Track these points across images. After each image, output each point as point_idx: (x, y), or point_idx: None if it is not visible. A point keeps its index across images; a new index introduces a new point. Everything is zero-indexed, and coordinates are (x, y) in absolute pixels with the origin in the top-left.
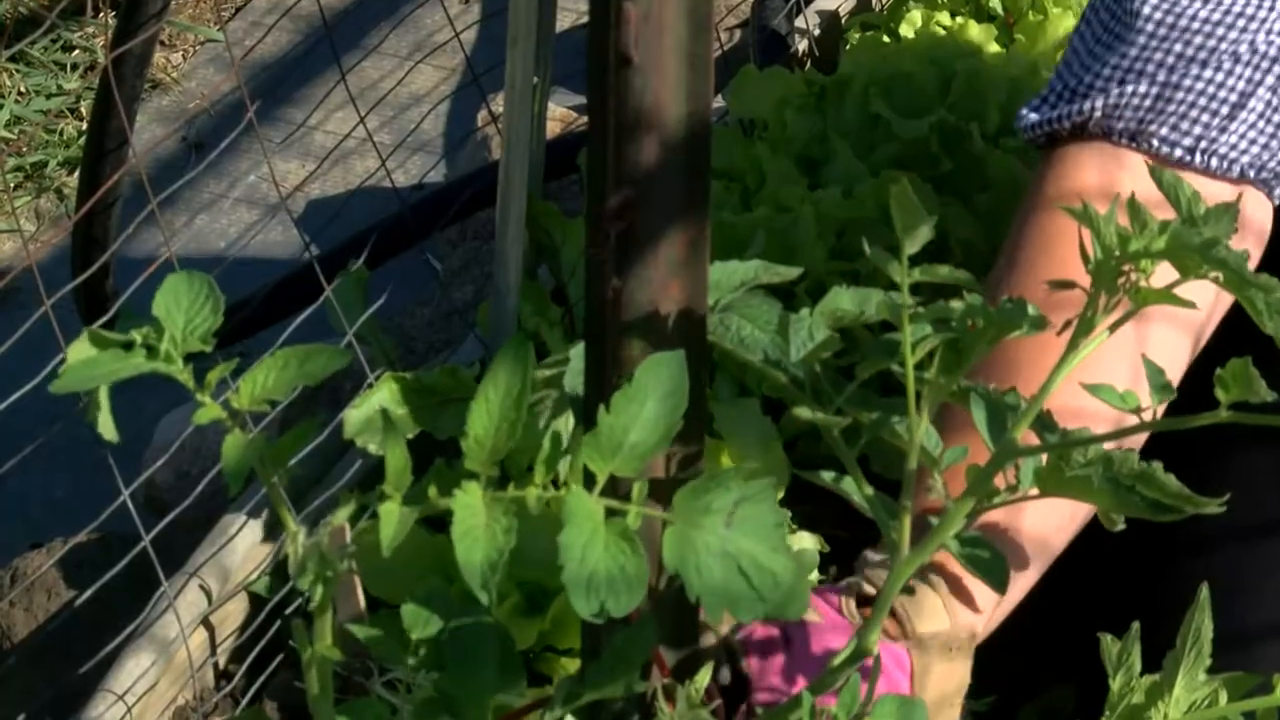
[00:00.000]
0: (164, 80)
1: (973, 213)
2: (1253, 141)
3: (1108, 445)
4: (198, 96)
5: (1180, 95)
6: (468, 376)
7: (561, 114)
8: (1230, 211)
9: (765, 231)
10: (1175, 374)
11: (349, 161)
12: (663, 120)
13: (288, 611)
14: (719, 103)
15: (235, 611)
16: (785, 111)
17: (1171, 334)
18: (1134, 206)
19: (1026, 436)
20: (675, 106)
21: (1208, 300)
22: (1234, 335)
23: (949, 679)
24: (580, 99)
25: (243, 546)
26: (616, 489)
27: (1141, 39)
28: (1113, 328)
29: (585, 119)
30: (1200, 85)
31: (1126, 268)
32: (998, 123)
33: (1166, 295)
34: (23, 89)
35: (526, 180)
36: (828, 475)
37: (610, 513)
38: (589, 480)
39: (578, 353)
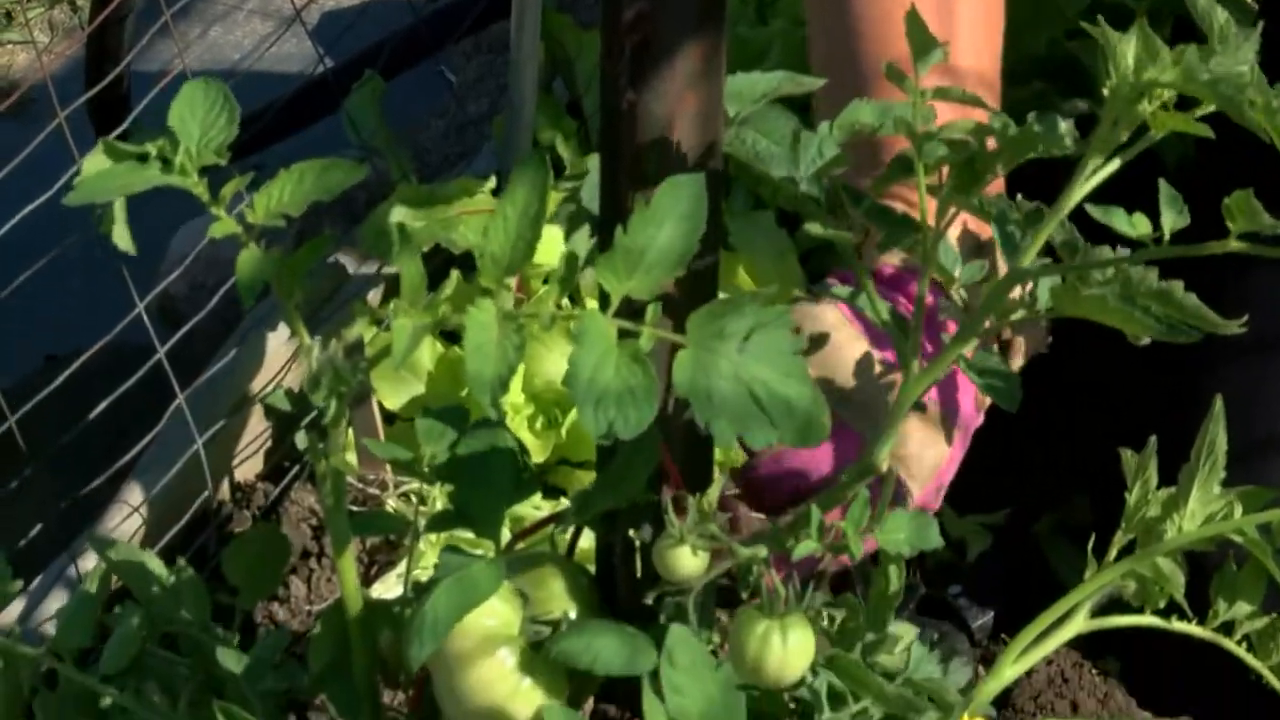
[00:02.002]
0: None
1: None
2: None
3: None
4: None
5: None
6: (483, 189)
7: None
8: (1251, 39)
9: (781, 44)
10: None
11: None
12: None
13: (304, 424)
14: None
15: (252, 424)
16: None
17: None
18: (1144, 34)
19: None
20: None
21: None
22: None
23: None
24: None
25: (259, 358)
26: (630, 309)
27: None
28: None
29: None
30: None
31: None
32: None
33: (1182, 121)
34: None
35: None
36: (841, 290)
37: (623, 334)
38: (603, 299)
39: (595, 165)
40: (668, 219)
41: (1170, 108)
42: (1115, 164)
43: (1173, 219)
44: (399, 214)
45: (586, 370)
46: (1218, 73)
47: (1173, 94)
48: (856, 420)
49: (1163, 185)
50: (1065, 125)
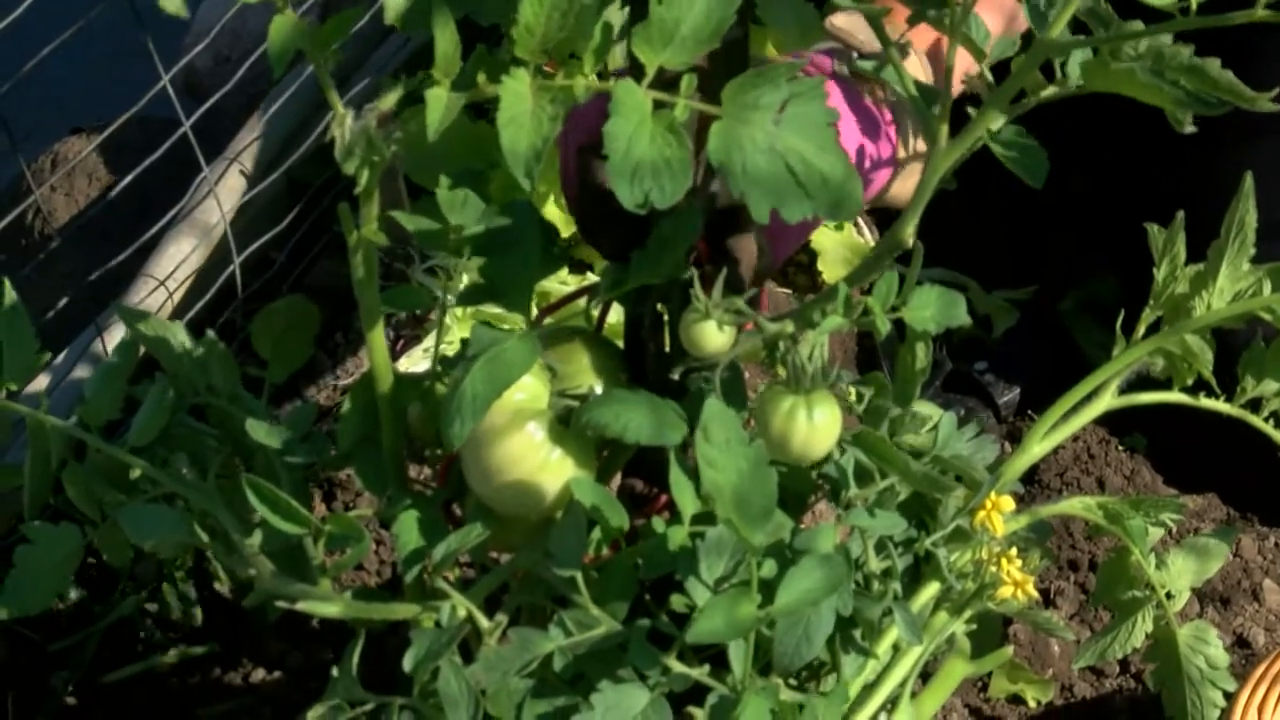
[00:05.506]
0: None
1: None
2: None
3: None
4: None
5: None
6: None
7: None
8: None
9: None
10: None
11: None
12: None
13: (329, 197)
14: None
15: (278, 197)
16: None
17: None
18: None
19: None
20: None
21: None
22: None
23: None
24: None
25: (283, 132)
26: (664, 81)
27: None
28: None
29: None
30: None
31: None
32: None
33: None
34: None
35: None
36: (867, 64)
37: (658, 105)
38: (637, 71)
39: None
40: None
41: None
42: None
43: None
44: None
45: (622, 141)
46: None
47: None
48: None
49: None
50: None
